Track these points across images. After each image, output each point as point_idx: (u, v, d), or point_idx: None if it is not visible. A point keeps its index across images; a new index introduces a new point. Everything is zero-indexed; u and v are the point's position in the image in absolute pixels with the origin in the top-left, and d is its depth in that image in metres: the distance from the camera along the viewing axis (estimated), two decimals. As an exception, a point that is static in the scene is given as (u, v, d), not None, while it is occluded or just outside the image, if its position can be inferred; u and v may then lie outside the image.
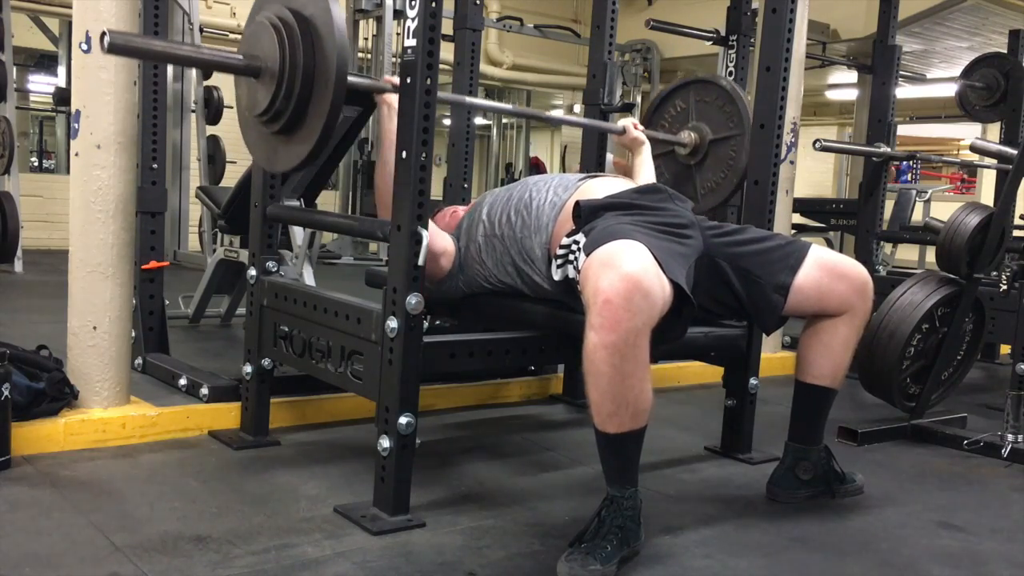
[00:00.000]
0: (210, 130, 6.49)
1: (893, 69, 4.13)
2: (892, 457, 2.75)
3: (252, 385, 2.46)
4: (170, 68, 6.42)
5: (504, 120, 14.47)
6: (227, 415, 2.56)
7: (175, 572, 1.65)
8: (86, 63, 2.34)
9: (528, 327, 2.21)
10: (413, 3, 1.86)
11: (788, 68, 2.61)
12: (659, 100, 3.03)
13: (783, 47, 2.59)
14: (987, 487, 2.50)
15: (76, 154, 2.39)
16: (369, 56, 8.11)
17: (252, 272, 2.48)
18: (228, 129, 6.55)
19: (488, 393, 3.13)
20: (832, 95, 12.36)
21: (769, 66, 2.61)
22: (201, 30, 6.64)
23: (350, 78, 1.85)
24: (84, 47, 2.33)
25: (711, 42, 5.00)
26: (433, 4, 1.84)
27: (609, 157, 3.21)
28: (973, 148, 3.09)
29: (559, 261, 2.00)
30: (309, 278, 3.47)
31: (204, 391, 2.62)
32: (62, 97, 7.06)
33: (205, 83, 6.55)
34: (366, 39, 8.04)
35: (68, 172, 2.50)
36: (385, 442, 1.92)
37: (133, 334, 2.58)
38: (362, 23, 7.93)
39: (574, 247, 1.93)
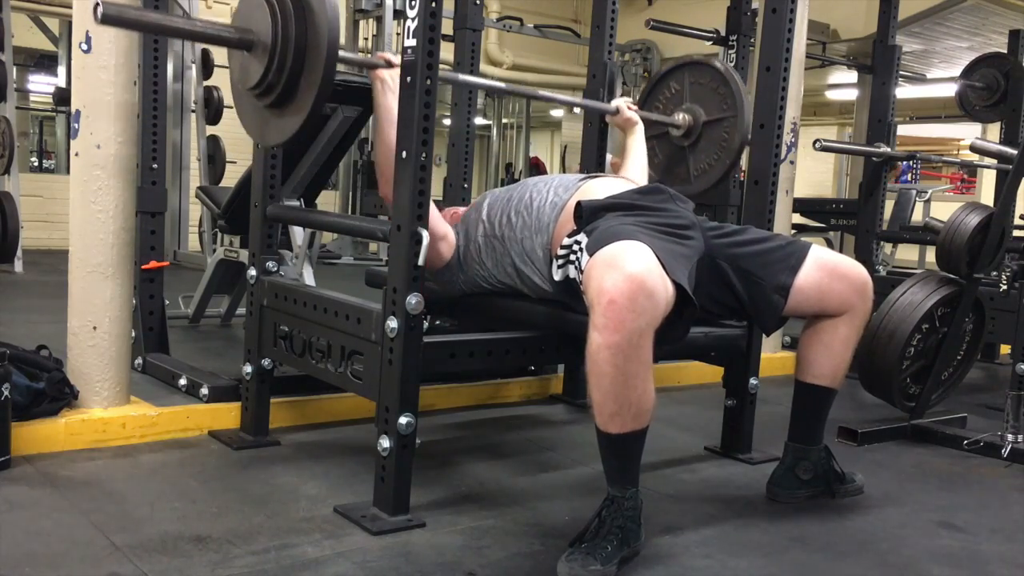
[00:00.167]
0: (210, 130, 6.49)
1: (893, 69, 4.13)
2: (892, 457, 2.75)
3: (252, 385, 2.46)
4: (170, 68, 6.43)
5: (504, 120, 14.47)
6: (227, 415, 2.56)
7: (175, 572, 1.65)
8: (86, 63, 2.34)
9: (528, 327, 2.20)
10: (413, 3, 1.86)
11: (788, 68, 2.61)
12: (654, 82, 3.03)
13: (783, 47, 2.59)
14: (987, 487, 2.50)
15: (76, 154, 2.39)
16: (369, 56, 8.10)
17: (252, 272, 2.48)
18: (228, 129, 6.56)
19: (488, 393, 3.13)
20: (832, 95, 12.35)
21: (769, 66, 2.61)
22: (201, 30, 6.63)
23: (342, 53, 1.87)
24: (84, 47, 2.33)
25: (711, 42, 5.01)
26: (433, 4, 1.84)
27: (608, 157, 3.21)
28: (973, 148, 3.08)
29: (560, 261, 2.00)
30: (309, 278, 3.47)
31: (204, 391, 2.62)
32: (62, 97, 7.06)
33: (205, 83, 6.55)
34: (366, 39, 8.04)
35: (68, 172, 2.50)
36: (385, 442, 1.92)
37: (133, 334, 2.58)
38: (362, 23, 7.92)
39: (575, 247, 1.92)
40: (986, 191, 10.53)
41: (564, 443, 2.71)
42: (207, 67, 6.49)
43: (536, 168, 13.74)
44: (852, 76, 9.88)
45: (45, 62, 10.78)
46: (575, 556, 1.71)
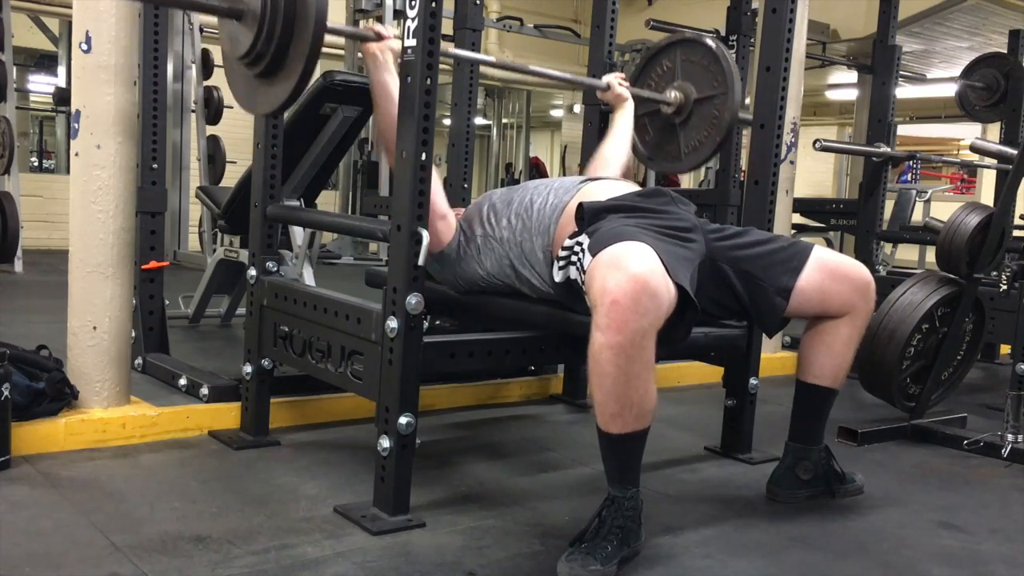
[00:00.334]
0: (210, 130, 6.49)
1: (893, 69, 4.13)
2: (892, 457, 2.75)
3: (252, 385, 2.46)
4: (170, 68, 6.43)
5: (504, 120, 14.47)
6: (227, 415, 2.56)
7: (175, 572, 1.65)
8: (86, 63, 2.34)
9: (528, 327, 2.20)
10: (413, 3, 1.86)
11: (788, 68, 2.61)
12: (647, 59, 3.05)
13: (783, 47, 2.59)
14: (987, 487, 2.50)
15: (76, 154, 2.39)
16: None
17: (252, 272, 2.48)
18: (228, 129, 6.58)
19: (488, 393, 3.13)
20: (832, 95, 12.36)
21: (769, 66, 2.61)
22: (201, 30, 6.64)
23: (331, 23, 1.88)
24: (84, 47, 2.33)
25: (711, 42, 4.99)
26: (433, 4, 1.84)
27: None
28: (973, 148, 3.08)
29: (561, 263, 1.99)
30: (309, 278, 3.47)
31: (204, 391, 2.62)
32: (62, 97, 7.06)
33: (205, 83, 6.56)
34: (366, 39, 8.03)
35: (68, 172, 2.50)
36: (385, 442, 1.92)
37: (133, 334, 2.58)
38: (362, 23, 7.93)
39: (577, 248, 1.92)
40: (986, 191, 10.53)
41: (564, 443, 2.71)
42: (207, 67, 6.50)
43: (536, 168, 13.72)
44: (852, 76, 9.88)
45: (45, 62, 10.78)
46: (575, 556, 1.71)
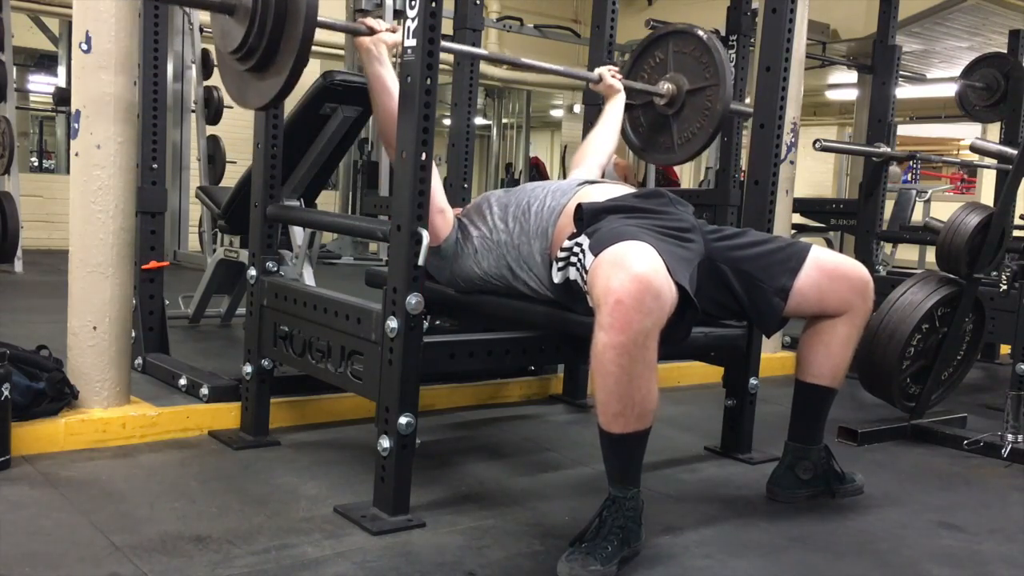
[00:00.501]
0: (210, 130, 6.49)
1: (893, 69, 4.13)
2: (892, 457, 2.75)
3: (252, 385, 2.46)
4: (170, 68, 6.43)
5: (504, 120, 14.47)
6: (227, 415, 2.56)
7: (175, 572, 1.65)
8: (86, 63, 2.34)
9: (528, 327, 2.20)
10: (413, 3, 1.86)
11: (788, 68, 2.61)
12: (639, 51, 3.06)
13: (783, 47, 2.59)
14: (987, 487, 2.50)
15: (76, 154, 2.39)
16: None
17: (252, 272, 2.48)
18: (228, 129, 6.58)
19: (488, 393, 3.13)
20: (832, 95, 12.36)
21: (769, 66, 2.61)
22: (201, 30, 6.64)
23: (322, 17, 1.90)
24: (84, 47, 2.33)
25: (711, 42, 4.99)
26: (433, 4, 1.84)
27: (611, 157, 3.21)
28: (973, 148, 3.08)
29: (560, 264, 1.99)
30: (309, 278, 3.47)
31: (204, 391, 2.62)
32: (62, 97, 7.06)
33: (205, 83, 6.56)
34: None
35: (68, 172, 2.50)
36: (385, 442, 1.92)
37: (133, 334, 2.58)
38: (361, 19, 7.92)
39: (576, 249, 1.92)
40: (986, 191, 10.53)
41: (564, 443, 2.71)
42: (207, 67, 6.50)
43: (536, 168, 13.71)
44: (852, 76, 9.88)
45: (45, 62, 10.79)
46: (575, 556, 1.71)
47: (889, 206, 6.37)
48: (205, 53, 6.48)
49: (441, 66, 1.90)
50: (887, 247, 6.03)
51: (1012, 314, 3.03)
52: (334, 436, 2.60)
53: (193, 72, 6.65)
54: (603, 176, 2.66)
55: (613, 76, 2.81)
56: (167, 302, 3.17)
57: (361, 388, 2.06)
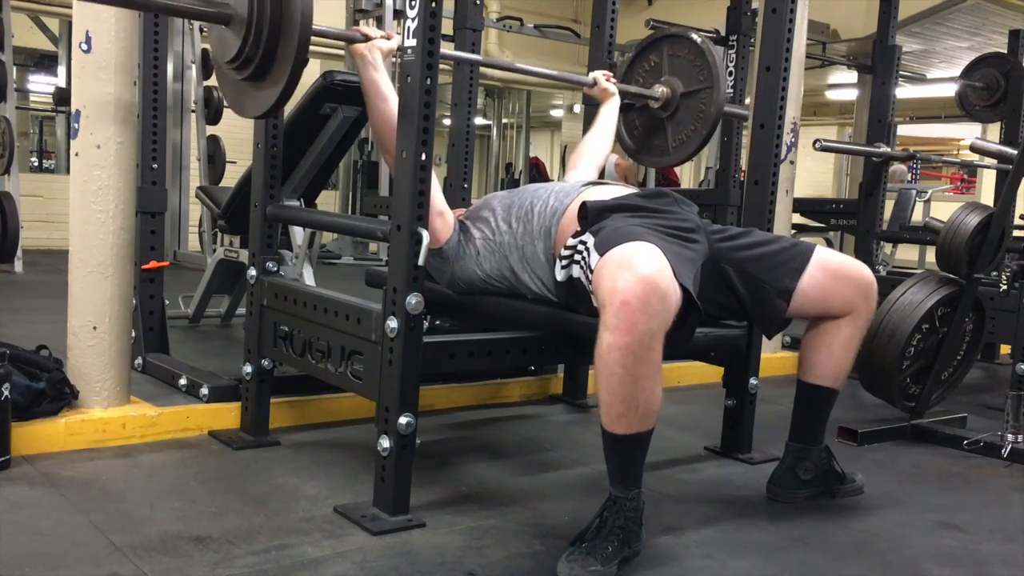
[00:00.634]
0: (210, 130, 6.49)
1: (893, 69, 4.13)
2: (892, 457, 2.75)
3: (252, 385, 2.46)
4: (170, 68, 6.43)
5: (504, 120, 14.47)
6: (227, 415, 2.56)
7: (175, 572, 1.65)
8: (86, 63, 2.34)
9: (528, 327, 2.20)
10: (413, 3, 1.86)
11: (788, 68, 2.61)
12: (634, 55, 3.08)
13: (783, 47, 2.59)
14: (987, 487, 2.50)
15: (76, 154, 2.39)
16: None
17: (252, 272, 2.48)
18: (228, 129, 6.57)
19: (488, 393, 3.13)
20: (832, 95, 12.36)
21: (769, 66, 2.62)
22: (201, 30, 6.64)
23: (317, 25, 1.91)
24: (84, 47, 2.33)
25: (711, 42, 4.99)
26: (433, 4, 1.84)
27: (612, 157, 3.23)
28: (973, 148, 3.08)
29: (564, 262, 1.99)
30: (309, 278, 3.47)
31: (204, 391, 2.62)
32: (62, 97, 7.06)
33: (205, 83, 6.56)
34: (366, 39, 8.03)
35: (68, 172, 2.50)
36: (385, 442, 1.92)
37: (133, 334, 2.58)
38: (362, 23, 7.92)
39: (580, 247, 1.92)
40: (986, 191, 10.53)
41: (564, 443, 2.71)
42: (207, 67, 6.49)
43: (536, 168, 13.70)
44: (852, 76, 9.88)
45: (45, 62, 10.80)
46: (575, 556, 1.71)
47: (889, 206, 6.37)
48: (205, 53, 6.48)
49: (441, 66, 1.90)
50: (887, 247, 6.03)
51: (1012, 314, 3.03)
52: (334, 436, 2.60)
53: (193, 72, 6.65)
54: (602, 177, 2.67)
55: (607, 80, 2.83)
56: (167, 302, 3.17)
57: (361, 388, 2.06)
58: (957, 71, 5.55)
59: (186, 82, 6.80)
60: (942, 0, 8.00)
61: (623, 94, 2.87)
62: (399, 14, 7.39)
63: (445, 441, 2.68)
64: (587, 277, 1.87)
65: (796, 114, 4.02)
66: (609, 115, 2.80)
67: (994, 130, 6.21)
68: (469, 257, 2.21)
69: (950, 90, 5.70)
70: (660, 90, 2.90)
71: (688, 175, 11.55)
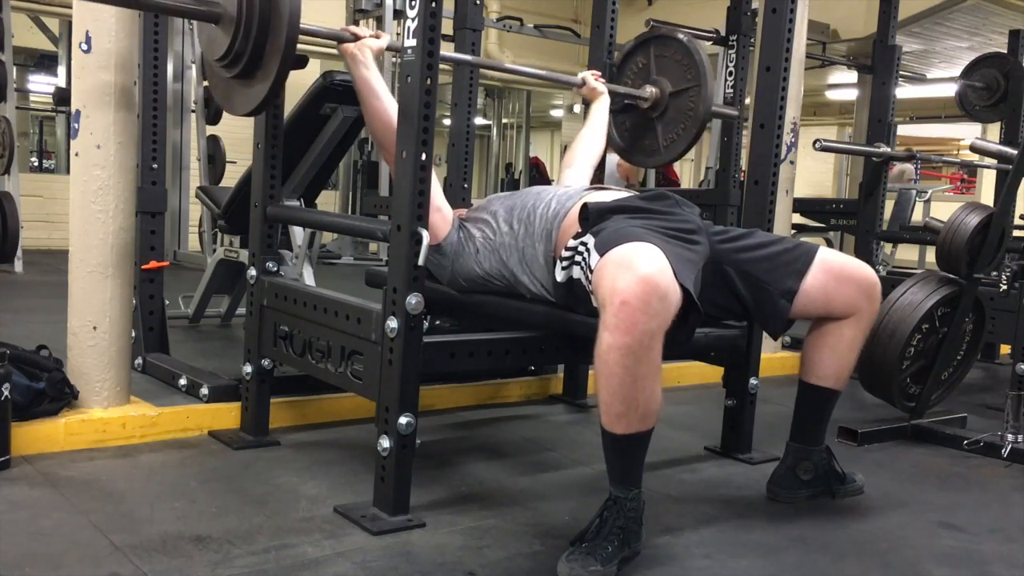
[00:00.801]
0: (210, 130, 6.49)
1: (893, 69, 4.13)
2: (892, 457, 2.75)
3: (252, 385, 2.46)
4: (170, 68, 6.43)
5: (504, 120, 14.47)
6: (227, 415, 2.56)
7: (175, 572, 1.65)
8: (86, 63, 2.34)
9: (528, 327, 2.20)
10: (413, 3, 1.86)
11: (788, 68, 2.61)
12: (623, 56, 3.12)
13: (783, 47, 2.59)
14: (987, 487, 2.50)
15: (76, 154, 2.39)
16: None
17: (252, 272, 2.48)
18: (228, 129, 6.57)
19: (488, 393, 3.13)
20: (832, 95, 12.36)
21: (769, 66, 2.61)
22: (201, 30, 6.64)
23: (306, 24, 1.93)
24: (84, 47, 2.33)
25: (711, 42, 5.00)
26: (433, 4, 1.84)
27: (614, 158, 3.24)
28: (973, 148, 3.08)
29: (564, 263, 1.99)
30: (309, 278, 3.47)
31: (204, 391, 2.62)
32: (62, 97, 7.06)
33: (205, 83, 6.55)
34: (366, 39, 8.02)
35: (68, 172, 2.50)
36: (385, 442, 1.92)
37: (133, 334, 2.58)
38: (362, 23, 7.92)
39: (581, 248, 1.92)
40: (986, 191, 10.53)
41: (564, 443, 2.71)
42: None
43: (536, 168, 13.71)
44: (852, 76, 9.88)
45: (45, 62, 10.79)
46: (575, 556, 1.71)
47: (889, 206, 6.37)
48: (205, 53, 6.48)
49: (441, 66, 1.90)
50: (887, 247, 6.03)
51: (1012, 314, 3.03)
52: (334, 436, 2.60)
53: (193, 72, 6.65)
54: (601, 177, 2.67)
55: (597, 79, 2.86)
56: (167, 302, 3.17)
57: (361, 388, 2.06)
58: (957, 71, 5.55)
59: (186, 82, 6.80)
60: (942, 0, 8.00)
61: (613, 96, 2.89)
62: (399, 14, 7.39)
63: (445, 441, 2.68)
64: (587, 277, 1.87)
65: (796, 114, 4.02)
66: (600, 114, 2.82)
67: (994, 130, 6.21)
68: (468, 255, 2.22)
69: (950, 90, 5.70)
70: (649, 90, 2.95)
71: (688, 175, 11.56)
